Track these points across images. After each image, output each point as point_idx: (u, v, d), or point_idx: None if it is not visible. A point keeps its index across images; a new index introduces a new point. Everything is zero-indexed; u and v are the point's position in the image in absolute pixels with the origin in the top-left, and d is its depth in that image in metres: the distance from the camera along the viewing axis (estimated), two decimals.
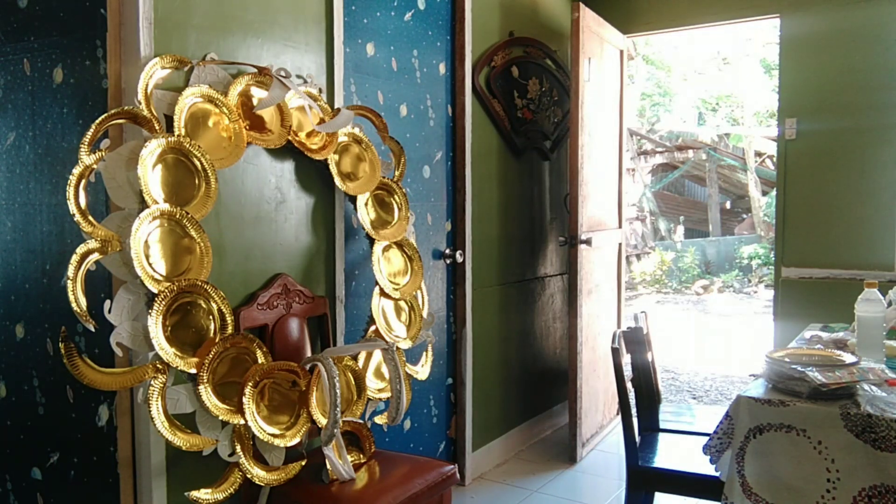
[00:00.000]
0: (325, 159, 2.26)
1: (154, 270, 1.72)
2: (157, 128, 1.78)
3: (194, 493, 1.78)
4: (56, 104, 1.98)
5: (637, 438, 2.41)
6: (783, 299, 3.62)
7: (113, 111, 1.73)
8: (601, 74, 3.78)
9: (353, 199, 2.41)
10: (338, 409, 1.90)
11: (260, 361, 1.92)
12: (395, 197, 2.49)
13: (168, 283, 1.74)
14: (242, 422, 1.83)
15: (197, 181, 1.86)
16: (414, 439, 2.96)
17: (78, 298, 1.61)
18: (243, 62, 2.08)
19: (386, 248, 2.45)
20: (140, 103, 1.76)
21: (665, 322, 8.22)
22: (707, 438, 1.99)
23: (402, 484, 2.03)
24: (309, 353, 2.22)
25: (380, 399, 2.33)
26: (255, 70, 2.07)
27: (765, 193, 12.58)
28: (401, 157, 2.54)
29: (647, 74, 12.93)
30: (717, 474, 1.99)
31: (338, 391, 1.90)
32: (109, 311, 1.66)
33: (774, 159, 10.05)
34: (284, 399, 1.96)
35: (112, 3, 1.84)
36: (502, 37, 3.48)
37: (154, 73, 1.80)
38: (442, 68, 3.10)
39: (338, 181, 2.29)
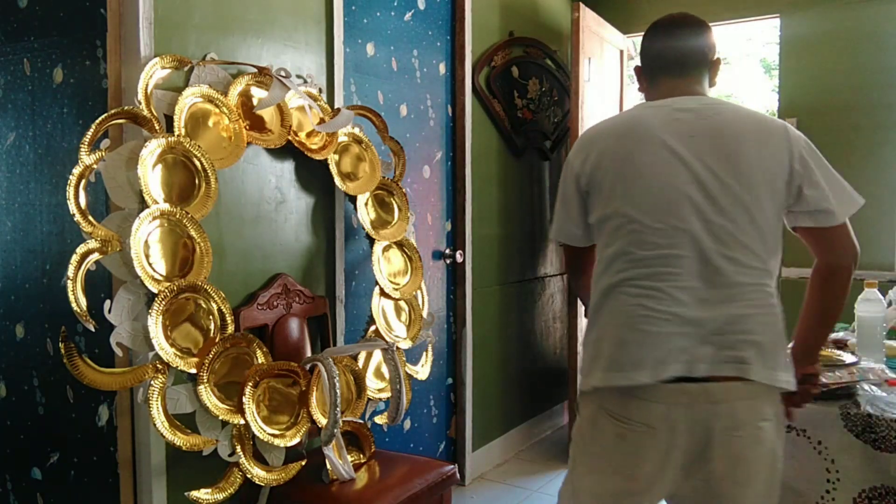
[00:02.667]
0: (325, 159, 2.26)
1: (154, 270, 1.72)
2: (157, 128, 1.77)
3: (194, 493, 1.78)
4: (56, 104, 1.98)
5: None
6: (783, 299, 3.61)
7: (113, 111, 1.73)
8: (601, 74, 3.78)
9: (353, 199, 2.41)
10: (338, 409, 1.90)
11: (260, 361, 1.92)
12: (395, 197, 2.49)
13: (168, 283, 1.74)
14: (242, 422, 1.83)
15: (197, 181, 1.86)
16: (414, 439, 2.96)
17: (78, 298, 1.61)
18: (243, 62, 2.08)
19: (386, 248, 2.45)
20: (140, 103, 1.76)
21: None
22: None
23: (402, 484, 2.03)
24: (309, 353, 2.21)
25: (380, 399, 2.33)
26: (255, 70, 2.07)
27: None
28: (401, 157, 2.54)
29: None
30: None
31: (338, 391, 1.90)
32: (109, 311, 1.66)
33: None
34: (284, 399, 1.96)
35: (112, 3, 1.84)
36: (502, 37, 3.47)
37: (154, 73, 1.80)
38: (442, 68, 3.10)
39: (338, 181, 2.29)
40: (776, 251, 1.46)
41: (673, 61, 1.56)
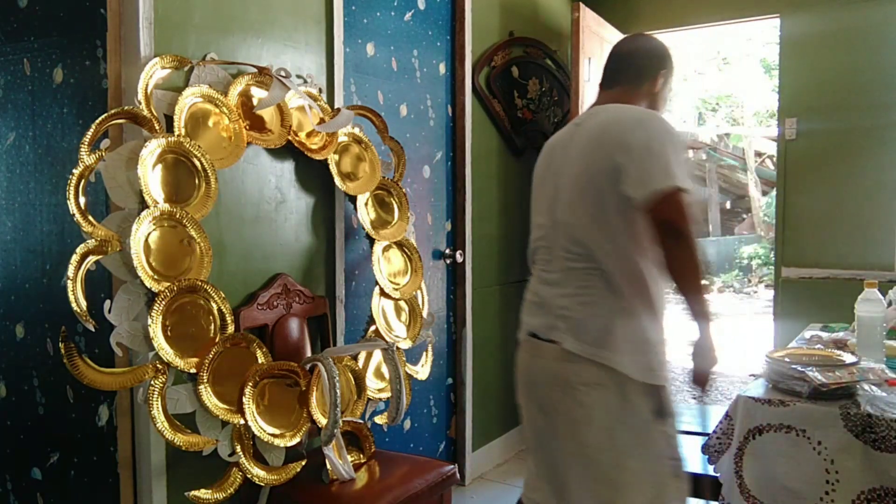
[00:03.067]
0: (325, 159, 2.26)
1: (154, 270, 1.72)
2: (157, 128, 1.77)
3: (194, 493, 1.78)
4: (56, 104, 1.98)
5: None
6: (783, 299, 3.62)
7: (113, 111, 1.73)
8: (601, 74, 3.77)
9: (353, 199, 2.41)
10: (338, 409, 1.90)
11: (260, 361, 1.92)
12: (395, 197, 2.49)
13: (168, 283, 1.74)
14: (242, 422, 1.83)
15: (197, 181, 1.86)
16: (414, 439, 2.96)
17: (78, 298, 1.61)
18: (243, 62, 2.08)
19: (386, 248, 2.45)
20: (140, 103, 1.76)
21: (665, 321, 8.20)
22: (706, 438, 1.99)
23: (402, 484, 2.03)
24: (309, 353, 2.21)
25: (380, 399, 2.33)
26: (255, 70, 2.07)
27: (765, 193, 12.57)
28: (401, 157, 2.54)
29: None
30: (716, 475, 1.99)
31: (338, 391, 1.90)
32: (109, 311, 1.66)
33: (774, 159, 10.04)
34: (284, 399, 1.96)
35: (112, 3, 1.84)
36: (502, 37, 3.47)
37: (154, 73, 1.80)
38: (442, 68, 3.10)
39: (338, 181, 2.29)
40: (610, 242, 1.61)
41: (605, 76, 1.85)
